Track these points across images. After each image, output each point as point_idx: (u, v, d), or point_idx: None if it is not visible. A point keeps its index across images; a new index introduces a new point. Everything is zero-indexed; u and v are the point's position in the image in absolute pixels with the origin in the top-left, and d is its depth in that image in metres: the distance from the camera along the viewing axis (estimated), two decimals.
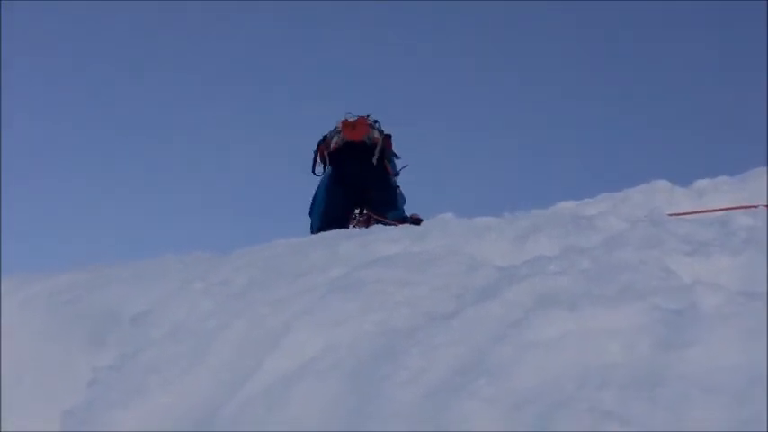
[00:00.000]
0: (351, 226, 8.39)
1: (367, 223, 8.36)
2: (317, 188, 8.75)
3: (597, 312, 3.08)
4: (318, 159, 8.49)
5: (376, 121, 8.56)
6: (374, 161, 8.16)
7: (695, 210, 6.66)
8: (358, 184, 8.20)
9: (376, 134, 8.36)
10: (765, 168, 8.11)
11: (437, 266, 4.19)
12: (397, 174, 8.71)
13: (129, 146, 32.46)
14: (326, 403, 3.01)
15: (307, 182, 8.76)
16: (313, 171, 8.53)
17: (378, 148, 8.18)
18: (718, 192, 7.68)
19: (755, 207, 5.78)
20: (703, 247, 4.05)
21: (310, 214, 8.61)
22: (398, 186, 8.84)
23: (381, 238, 5.18)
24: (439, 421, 2.68)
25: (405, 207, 8.83)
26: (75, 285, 5.31)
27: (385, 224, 7.40)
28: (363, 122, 8.37)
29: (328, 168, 8.49)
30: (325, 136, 8.54)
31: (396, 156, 8.69)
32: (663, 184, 8.26)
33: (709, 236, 4.37)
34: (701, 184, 8.21)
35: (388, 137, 8.45)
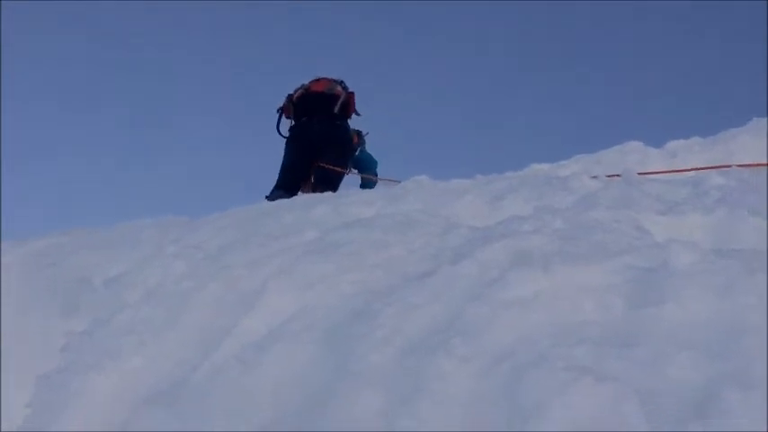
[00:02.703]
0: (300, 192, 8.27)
1: (314, 188, 8.24)
2: None
3: (571, 271, 3.09)
4: (284, 116, 8.55)
5: (342, 81, 8.62)
6: (336, 110, 8.20)
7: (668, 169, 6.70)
8: (314, 139, 8.15)
9: (339, 88, 8.43)
10: (737, 129, 8.16)
11: (412, 228, 4.19)
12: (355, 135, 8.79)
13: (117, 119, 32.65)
14: (301, 365, 3.01)
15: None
16: (277, 128, 8.57)
17: (340, 100, 8.27)
18: (690, 152, 7.72)
19: (728, 167, 5.82)
20: (676, 207, 4.07)
21: None
22: (363, 144, 9.02)
23: (355, 201, 5.17)
24: (414, 380, 2.67)
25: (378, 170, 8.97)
26: (50, 251, 5.28)
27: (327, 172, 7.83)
28: (327, 79, 8.43)
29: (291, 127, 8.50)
30: (291, 94, 8.57)
31: (357, 113, 8.70)
32: (636, 144, 8.31)
33: (682, 195, 4.39)
34: (674, 144, 8.26)
35: (352, 93, 8.50)
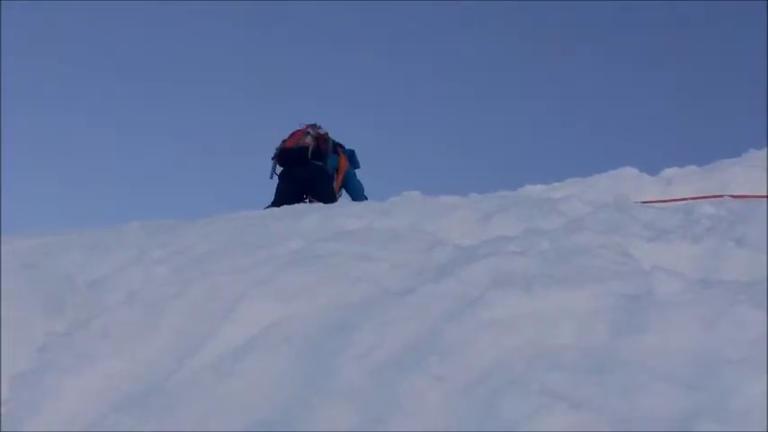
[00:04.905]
0: None
1: None
2: None
3: (553, 294, 3.06)
4: (274, 166, 9.85)
5: (312, 127, 9.90)
6: (308, 154, 9.48)
7: (662, 198, 6.69)
8: (300, 178, 9.53)
9: (308, 139, 9.68)
10: (732, 160, 8.18)
11: (398, 243, 4.16)
12: (329, 165, 9.78)
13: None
14: (276, 376, 2.98)
15: None
16: (270, 177, 9.80)
17: (310, 149, 9.54)
18: (685, 181, 7.72)
19: (720, 197, 5.81)
20: (665, 234, 4.05)
21: None
22: (354, 164, 10.15)
23: (344, 213, 5.14)
24: (389, 398, 2.65)
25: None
26: (34, 250, 5.23)
27: None
28: (298, 134, 9.79)
29: (279, 170, 9.81)
30: (277, 147, 9.84)
31: (339, 145, 10.00)
32: (630, 171, 8.32)
33: (673, 223, 4.36)
34: (670, 172, 8.26)
35: (320, 135, 9.81)
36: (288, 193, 9.40)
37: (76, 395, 3.31)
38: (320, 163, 9.60)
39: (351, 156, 10.12)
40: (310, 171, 9.49)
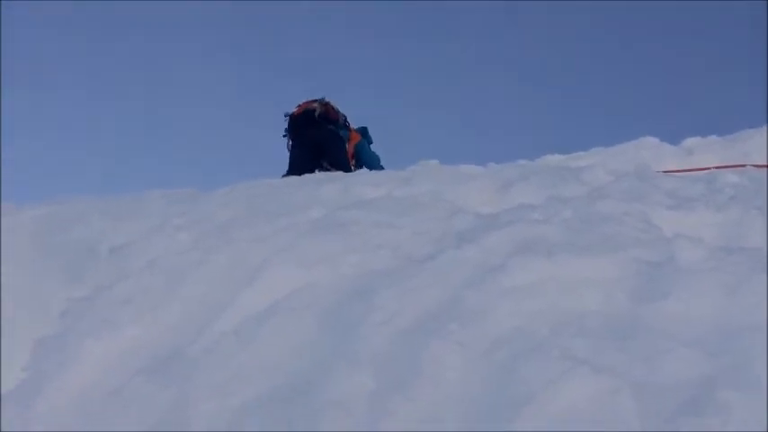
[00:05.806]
0: None
1: None
2: None
3: (576, 261, 3.05)
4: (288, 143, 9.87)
5: (321, 98, 9.83)
6: (316, 116, 9.45)
7: (683, 168, 6.67)
8: (312, 142, 9.39)
9: (314, 104, 9.66)
10: (754, 130, 8.13)
11: (419, 211, 4.16)
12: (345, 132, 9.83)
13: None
14: (299, 341, 2.99)
15: None
16: (288, 148, 9.71)
17: (317, 111, 9.51)
18: (707, 150, 7.70)
19: (743, 166, 5.79)
20: (687, 203, 4.03)
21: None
22: (367, 140, 10.13)
23: (364, 182, 5.13)
24: (410, 363, 2.65)
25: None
26: (55, 217, 5.24)
27: None
28: (305, 103, 9.71)
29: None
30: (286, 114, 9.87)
31: (343, 115, 9.86)
32: (651, 140, 8.29)
33: (695, 192, 4.35)
34: (691, 142, 8.23)
35: (326, 103, 9.70)
36: (301, 159, 9.28)
37: (98, 360, 3.33)
38: (332, 126, 9.56)
39: (363, 132, 10.11)
40: (322, 133, 9.43)
